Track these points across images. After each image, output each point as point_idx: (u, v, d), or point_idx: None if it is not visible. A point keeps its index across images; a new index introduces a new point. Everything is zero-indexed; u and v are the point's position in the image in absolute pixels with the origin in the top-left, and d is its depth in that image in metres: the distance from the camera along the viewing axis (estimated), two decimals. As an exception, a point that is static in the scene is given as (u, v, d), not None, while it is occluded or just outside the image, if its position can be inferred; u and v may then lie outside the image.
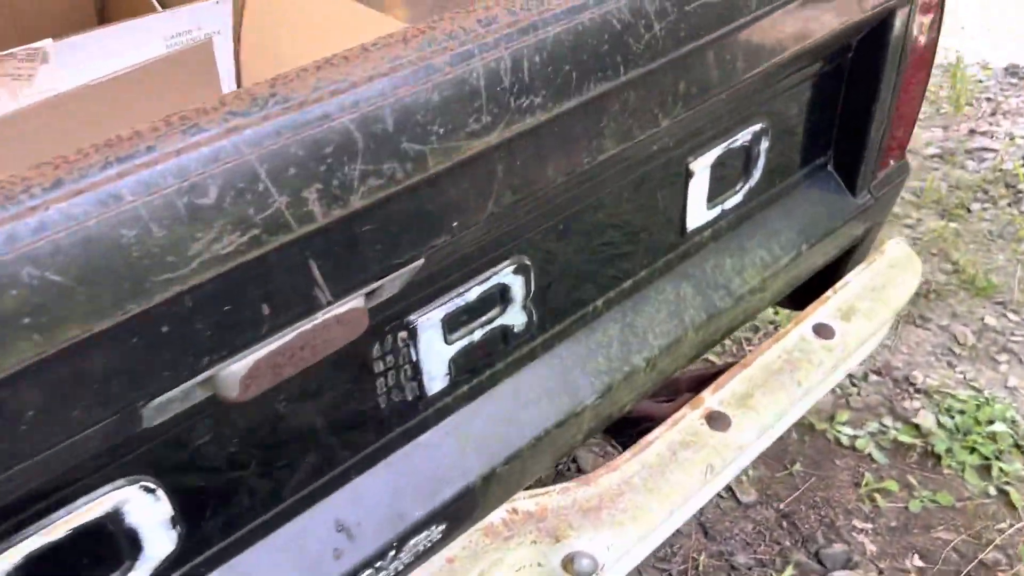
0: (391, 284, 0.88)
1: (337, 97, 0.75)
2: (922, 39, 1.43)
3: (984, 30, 4.34)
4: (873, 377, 2.42)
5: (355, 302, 0.84)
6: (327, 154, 0.74)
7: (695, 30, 1.00)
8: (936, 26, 1.44)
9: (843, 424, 2.27)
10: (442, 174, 0.84)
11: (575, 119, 0.94)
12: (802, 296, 1.73)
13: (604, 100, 0.96)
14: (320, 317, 0.81)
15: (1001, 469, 2.10)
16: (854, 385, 2.40)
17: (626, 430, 1.56)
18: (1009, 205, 3.06)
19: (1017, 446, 2.16)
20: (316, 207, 0.75)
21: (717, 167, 1.30)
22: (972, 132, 3.51)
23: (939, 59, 4.03)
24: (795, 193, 1.50)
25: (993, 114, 3.65)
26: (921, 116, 3.66)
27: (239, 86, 1.11)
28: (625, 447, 1.35)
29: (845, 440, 2.23)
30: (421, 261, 0.88)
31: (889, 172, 1.58)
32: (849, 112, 1.47)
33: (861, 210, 1.55)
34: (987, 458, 2.13)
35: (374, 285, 0.85)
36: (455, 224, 0.89)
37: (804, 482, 2.14)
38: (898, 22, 1.35)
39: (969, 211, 3.06)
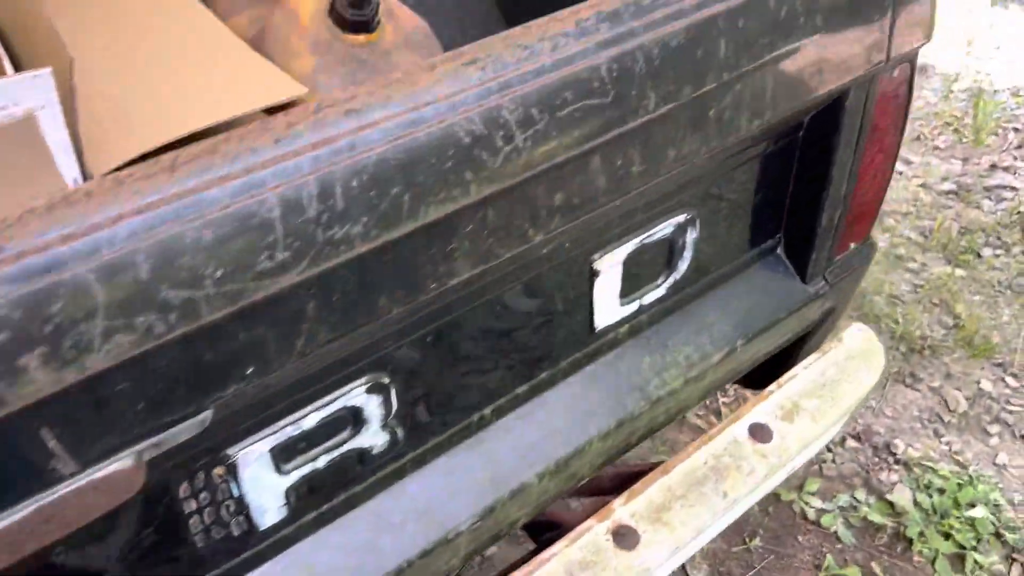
0: (174, 437, 0.76)
1: (70, 243, 0.63)
2: (886, 119, 1.26)
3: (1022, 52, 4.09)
4: (851, 443, 2.26)
5: (121, 464, 0.73)
6: (54, 313, 0.62)
7: (571, 138, 0.86)
8: (904, 104, 1.28)
9: (812, 495, 2.12)
10: (225, 320, 0.71)
11: (413, 245, 0.81)
12: (761, 376, 1.59)
13: (452, 222, 0.83)
14: (65, 488, 0.70)
15: (976, 561, 1.94)
16: (830, 451, 2.24)
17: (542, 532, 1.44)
18: (1023, 253, 2.86)
19: (997, 535, 2.00)
20: (40, 374, 0.63)
21: (631, 263, 1.16)
22: (993, 167, 3.30)
23: (966, 83, 3.81)
24: (737, 280, 1.35)
25: (1020, 147, 3.43)
26: (941, 146, 3.46)
27: (82, 166, 0.99)
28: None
29: (812, 514, 2.08)
30: (208, 413, 0.76)
31: (849, 255, 1.43)
32: (800, 194, 1.31)
33: (813, 298, 1.39)
34: (963, 547, 1.97)
35: (142, 445, 0.73)
36: (249, 371, 0.76)
37: (761, 560, 1.99)
38: (853, 101, 1.19)
39: (979, 257, 2.86)
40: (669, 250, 1.20)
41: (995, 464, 2.19)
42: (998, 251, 2.88)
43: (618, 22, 0.88)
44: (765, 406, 1.39)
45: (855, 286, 1.52)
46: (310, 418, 0.92)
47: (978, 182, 3.20)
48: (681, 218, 1.18)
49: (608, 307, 1.17)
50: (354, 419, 0.97)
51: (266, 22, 1.37)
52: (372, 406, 0.97)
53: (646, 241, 1.15)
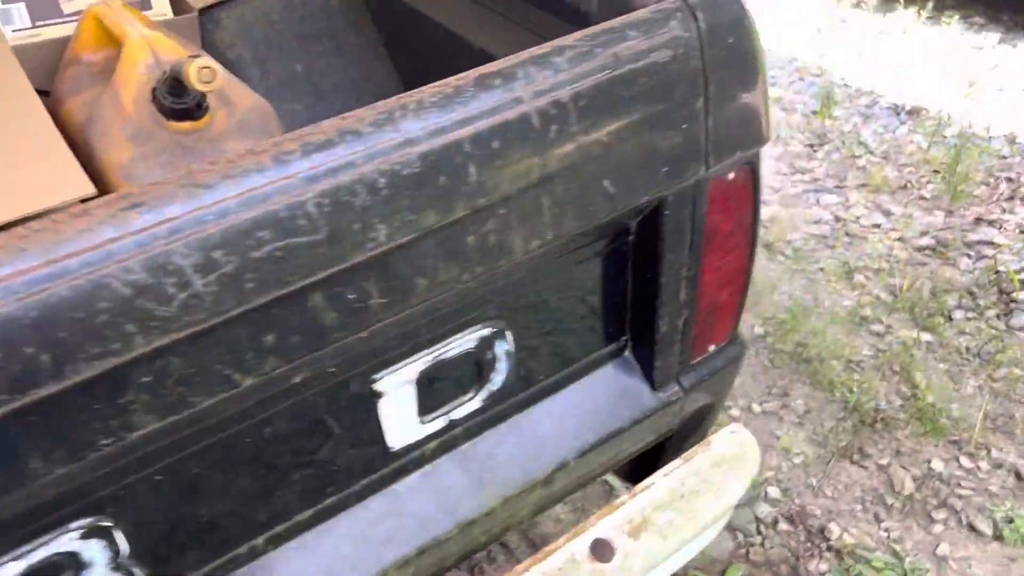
0: None
1: None
2: (726, 223, 1.17)
3: (1026, 94, 3.90)
4: (783, 525, 2.14)
5: None
6: None
7: (274, 279, 0.79)
8: (749, 207, 1.18)
9: (734, 583, 2.00)
10: None
11: (67, 405, 0.74)
12: (638, 468, 1.50)
13: (120, 376, 0.76)
14: None
15: (895, 668, 1.81)
16: (760, 532, 2.12)
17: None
18: (997, 317, 2.70)
19: (923, 638, 1.86)
20: None
21: (427, 380, 1.08)
22: (979, 220, 3.14)
23: (961, 127, 3.64)
24: (579, 385, 1.26)
25: (1010, 198, 3.26)
26: (927, 196, 3.31)
27: None
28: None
29: (729, 604, 1.97)
30: None
31: (710, 358, 1.33)
32: (638, 299, 1.22)
33: (664, 405, 1.29)
34: (883, 651, 1.84)
35: None
36: None
37: (668, 655, 1.88)
38: (676, 209, 1.10)
39: (950, 320, 2.71)
40: (477, 364, 1.12)
41: (935, 555, 2.05)
42: (970, 314, 2.72)
43: (332, 153, 0.81)
44: (613, 519, 1.29)
45: (726, 385, 1.42)
46: (10, 568, 0.86)
47: (959, 237, 3.05)
48: (485, 331, 1.09)
49: (404, 425, 1.09)
50: (73, 563, 0.90)
51: (94, 106, 1.33)
52: (93, 551, 0.90)
53: (442, 358, 1.07)
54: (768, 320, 2.74)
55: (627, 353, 1.29)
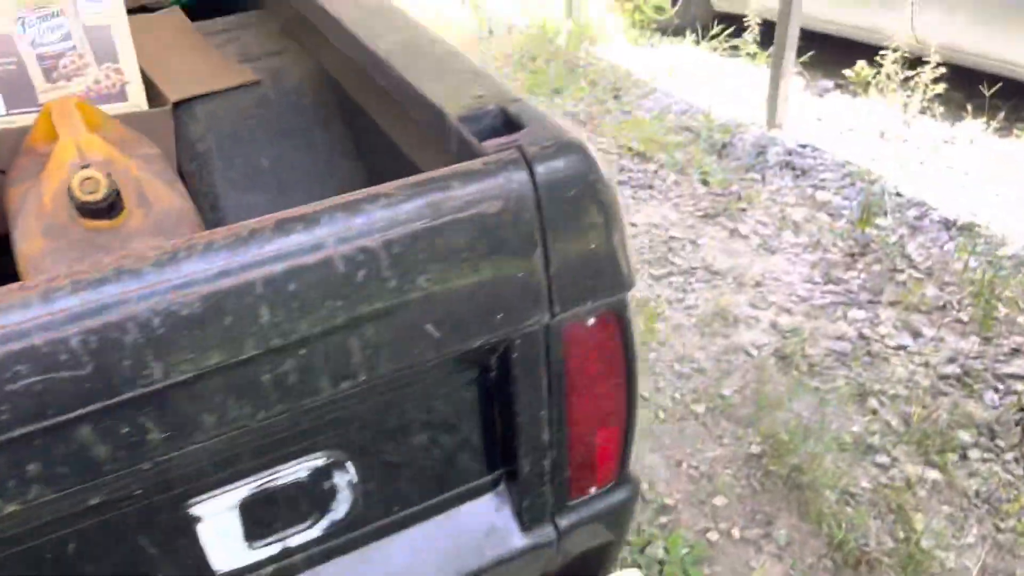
0: None
1: None
2: (590, 368, 1.13)
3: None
4: (737, 668, 2.01)
5: None
6: None
7: (37, 410, 0.80)
8: (617, 352, 1.14)
9: None
10: None
11: None
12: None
13: None
14: None
15: None
16: (710, 673, 2.00)
17: None
18: (1016, 461, 2.51)
19: None
20: None
21: (256, 506, 1.06)
22: (1016, 351, 2.95)
23: (1015, 248, 3.46)
24: (441, 518, 1.22)
25: (1059, 329, 3.06)
26: (964, 319, 3.14)
27: None
28: None
29: None
30: None
31: (590, 500, 1.27)
32: (505, 435, 1.18)
33: (535, 546, 1.24)
34: None
35: None
36: None
37: None
38: (524, 354, 1.07)
39: (964, 458, 2.54)
40: (313, 493, 1.10)
41: None
42: (987, 454, 2.54)
43: (102, 291, 0.82)
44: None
45: (620, 524, 1.35)
46: None
47: (990, 367, 2.87)
48: (319, 462, 1.08)
49: (230, 550, 1.08)
50: None
51: (24, 197, 1.39)
52: None
53: (268, 486, 1.06)
54: (767, 438, 2.63)
55: (500, 489, 1.25)
